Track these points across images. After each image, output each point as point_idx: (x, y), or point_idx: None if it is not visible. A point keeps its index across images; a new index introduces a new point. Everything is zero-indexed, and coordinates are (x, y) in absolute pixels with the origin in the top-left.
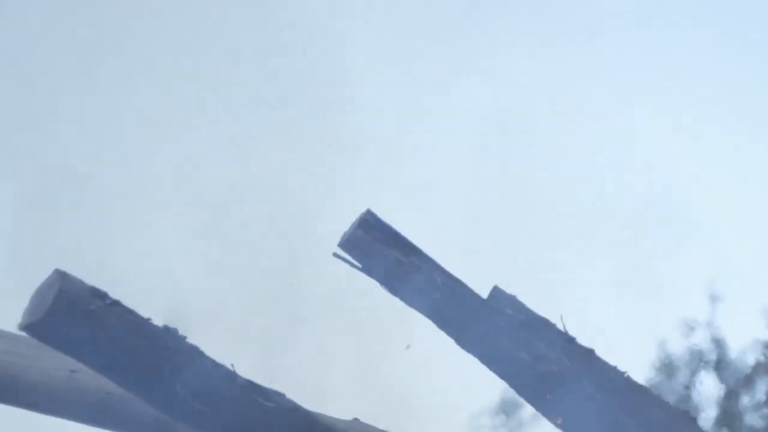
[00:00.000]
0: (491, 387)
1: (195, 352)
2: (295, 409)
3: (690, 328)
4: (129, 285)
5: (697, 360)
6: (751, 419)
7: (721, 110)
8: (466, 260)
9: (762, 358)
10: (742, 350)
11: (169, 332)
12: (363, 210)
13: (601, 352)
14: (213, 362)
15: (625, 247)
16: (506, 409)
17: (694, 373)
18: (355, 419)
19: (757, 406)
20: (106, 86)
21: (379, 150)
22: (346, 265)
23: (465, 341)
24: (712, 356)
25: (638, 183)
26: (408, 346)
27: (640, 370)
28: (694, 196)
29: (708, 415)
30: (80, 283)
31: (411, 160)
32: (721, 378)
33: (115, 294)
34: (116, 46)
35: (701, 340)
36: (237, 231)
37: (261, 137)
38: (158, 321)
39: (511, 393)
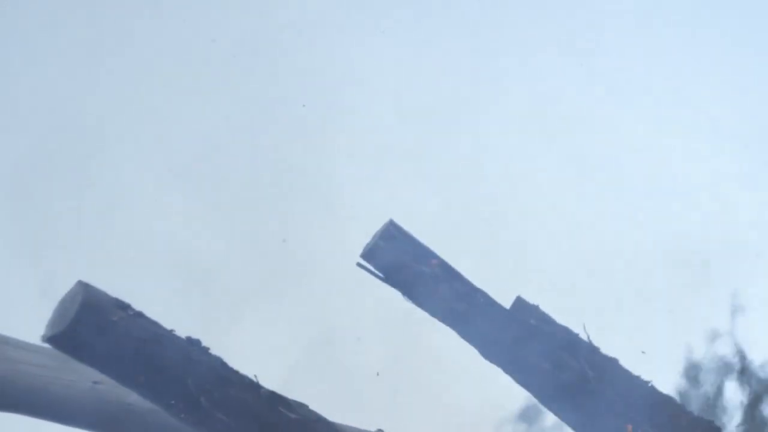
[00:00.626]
0: (514, 396)
1: (218, 363)
2: (319, 420)
3: (714, 336)
4: (151, 296)
5: (722, 368)
6: None
7: None
8: (488, 270)
9: None
10: (766, 359)
11: (192, 343)
12: (386, 220)
13: (625, 362)
14: (236, 373)
15: (648, 258)
16: (529, 419)
17: (718, 381)
18: (379, 430)
19: None
20: (112, 86)
21: (401, 157)
22: (369, 275)
23: (488, 351)
24: (737, 365)
25: (665, 194)
26: None
27: (664, 379)
28: (720, 206)
29: (733, 424)
30: (103, 295)
31: (433, 167)
32: (746, 386)
33: (137, 305)
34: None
35: (726, 348)
36: (258, 239)
37: (279, 145)
38: (181, 332)
39: (534, 403)
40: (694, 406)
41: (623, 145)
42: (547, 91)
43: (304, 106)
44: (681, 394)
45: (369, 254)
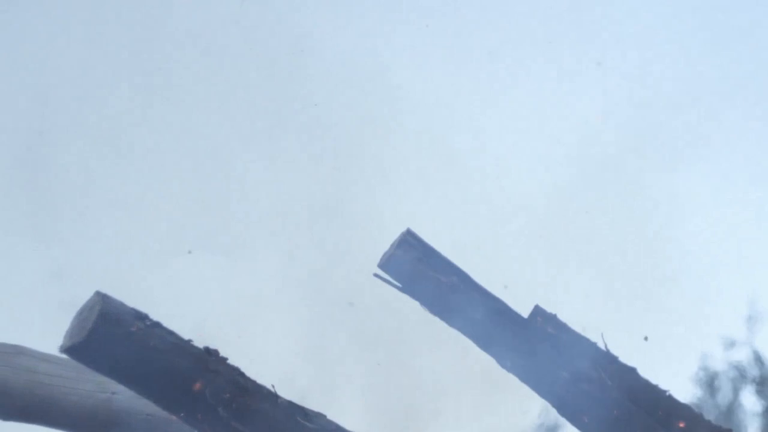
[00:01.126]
0: (533, 406)
1: (236, 374)
2: (337, 430)
3: (731, 344)
4: (171, 308)
5: (739, 376)
6: None
7: None
8: (506, 279)
9: None
10: None
11: (210, 353)
12: (403, 229)
13: (643, 371)
14: (254, 383)
15: (664, 266)
16: (547, 428)
17: (736, 389)
18: None
19: None
20: (128, 98)
21: (419, 167)
22: (387, 285)
23: (506, 361)
24: (755, 372)
25: (677, 201)
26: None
27: (681, 387)
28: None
29: None
30: (121, 305)
31: (451, 176)
32: (764, 394)
33: (155, 315)
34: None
35: (742, 356)
36: (278, 249)
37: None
38: (199, 342)
39: (553, 412)
40: (712, 415)
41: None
42: (562, 98)
43: (316, 105)
44: (698, 402)
45: (386, 264)
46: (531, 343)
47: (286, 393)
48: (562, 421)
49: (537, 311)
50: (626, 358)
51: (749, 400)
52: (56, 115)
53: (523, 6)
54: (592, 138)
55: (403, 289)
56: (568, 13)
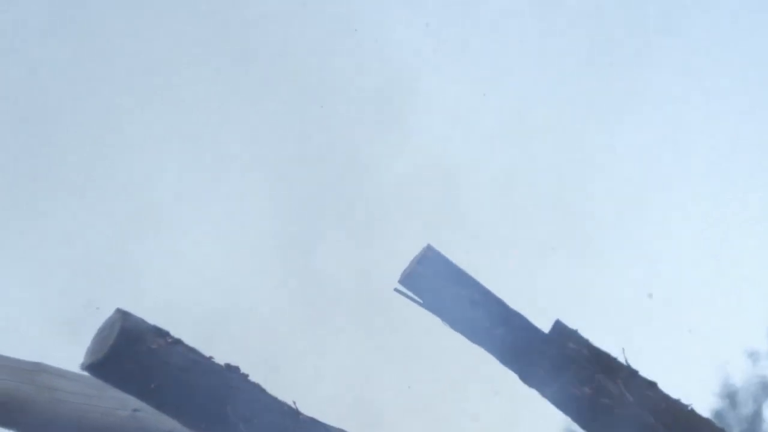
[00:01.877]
0: (554, 421)
1: (257, 390)
2: None
3: (753, 358)
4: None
5: (761, 389)
6: None
7: None
8: (525, 293)
9: None
10: None
11: (231, 370)
12: (423, 245)
13: (664, 385)
14: (275, 400)
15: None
16: None
17: (758, 402)
18: None
19: None
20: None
21: (440, 179)
22: (408, 301)
23: (528, 376)
24: None
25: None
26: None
27: (704, 401)
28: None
29: None
30: (142, 322)
31: (473, 189)
32: None
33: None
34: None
35: (766, 369)
36: (290, 263)
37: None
38: (220, 359)
39: (575, 427)
40: (735, 429)
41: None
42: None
43: (321, 107)
44: (719, 415)
45: (407, 279)
46: (552, 357)
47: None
48: None
49: (558, 326)
50: (647, 372)
51: None
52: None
53: None
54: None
55: (424, 305)
56: None
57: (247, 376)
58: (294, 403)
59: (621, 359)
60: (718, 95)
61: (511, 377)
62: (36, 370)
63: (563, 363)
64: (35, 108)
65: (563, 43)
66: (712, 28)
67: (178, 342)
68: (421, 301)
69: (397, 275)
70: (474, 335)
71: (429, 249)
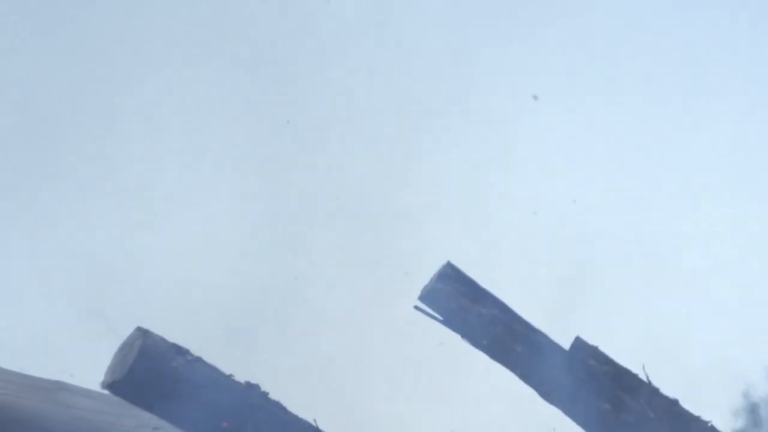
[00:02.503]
0: None
1: (277, 408)
2: None
3: None
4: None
5: None
6: None
7: None
8: (546, 309)
9: None
10: None
11: (251, 388)
12: (443, 262)
13: (685, 402)
14: (296, 417)
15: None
16: None
17: None
18: None
19: None
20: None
21: (458, 198)
22: (427, 318)
23: (548, 393)
24: None
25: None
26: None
27: (723, 418)
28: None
29: None
30: (162, 340)
31: (492, 208)
32: None
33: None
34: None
35: None
36: (311, 281)
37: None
38: (240, 377)
39: None
40: None
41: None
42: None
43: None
44: None
45: (427, 297)
46: (572, 374)
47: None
48: None
49: (578, 343)
50: (668, 389)
51: None
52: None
53: None
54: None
55: (443, 322)
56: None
57: (267, 393)
58: (314, 420)
59: (642, 376)
60: None
61: (531, 394)
62: (57, 388)
63: (584, 380)
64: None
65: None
66: None
67: (198, 360)
68: (441, 318)
69: (417, 292)
70: (494, 352)
71: (448, 266)
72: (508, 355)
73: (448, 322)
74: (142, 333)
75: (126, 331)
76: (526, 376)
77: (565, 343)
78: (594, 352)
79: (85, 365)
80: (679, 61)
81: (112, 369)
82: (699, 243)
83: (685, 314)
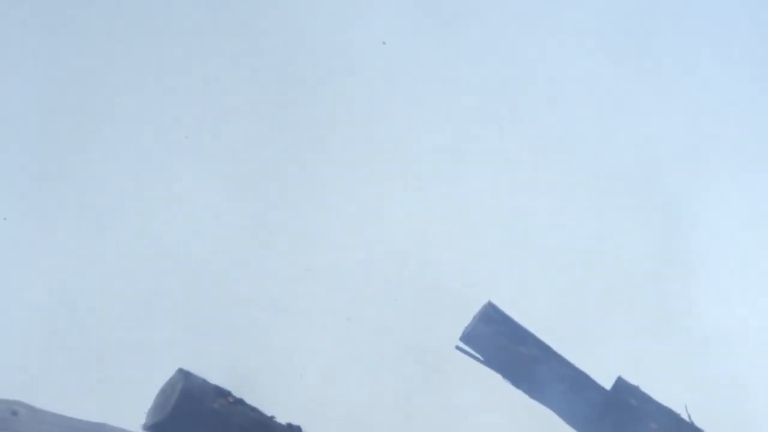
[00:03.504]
0: None
1: None
2: None
3: None
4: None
5: None
6: None
7: None
8: (587, 349)
9: None
10: None
11: (293, 429)
12: (484, 302)
13: None
14: None
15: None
16: None
17: None
18: None
19: None
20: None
21: (498, 237)
22: (469, 358)
23: None
24: None
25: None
26: None
27: None
28: None
29: None
30: (203, 382)
31: (532, 246)
32: None
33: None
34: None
35: None
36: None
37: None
38: (281, 418)
39: None
40: None
41: None
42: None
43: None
44: None
45: (468, 337)
46: (614, 414)
47: None
48: None
49: (620, 383)
50: (712, 429)
51: None
52: None
53: None
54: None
55: (485, 362)
56: None
57: None
58: None
59: (684, 416)
60: None
61: None
62: (99, 431)
63: (626, 420)
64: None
65: None
66: None
67: (239, 401)
68: (482, 359)
69: (458, 332)
70: (535, 392)
71: (490, 306)
72: (550, 395)
73: (489, 362)
74: (183, 375)
75: None
76: (567, 416)
77: (607, 383)
78: (635, 392)
79: (127, 408)
80: None
81: (153, 410)
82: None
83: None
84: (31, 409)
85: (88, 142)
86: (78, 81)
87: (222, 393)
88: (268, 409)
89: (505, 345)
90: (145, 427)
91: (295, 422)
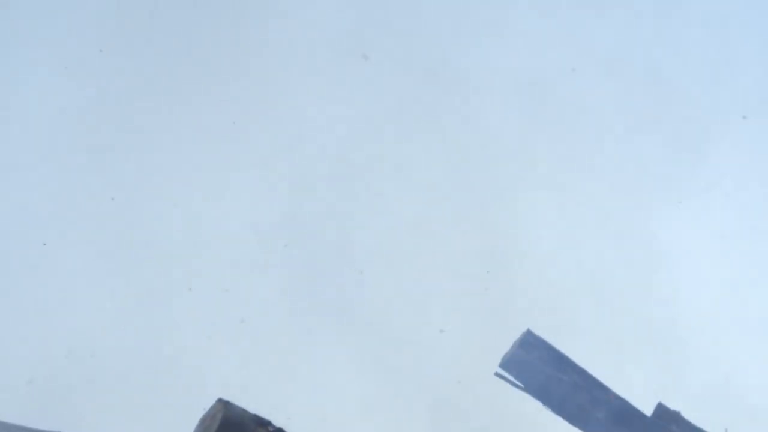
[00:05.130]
0: None
1: None
2: None
3: None
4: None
5: None
6: None
7: None
8: (627, 375)
9: None
10: None
11: None
12: (523, 329)
13: None
14: None
15: None
16: None
17: None
18: None
19: None
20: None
21: (539, 264)
22: (508, 385)
23: None
24: None
25: None
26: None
27: None
28: None
29: None
30: (243, 412)
31: (570, 273)
32: None
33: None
34: None
35: None
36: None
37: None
38: None
39: None
40: None
41: None
42: None
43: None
44: None
45: (507, 364)
46: None
47: None
48: None
49: (660, 409)
50: None
51: None
52: None
53: None
54: None
55: (525, 389)
56: None
57: None
58: None
59: None
60: None
61: None
62: None
63: None
64: None
65: None
66: None
67: (279, 431)
68: (522, 386)
69: (497, 359)
70: (576, 419)
71: (529, 333)
72: (590, 422)
73: (529, 389)
74: (223, 405)
75: None
76: None
77: (647, 409)
78: (676, 418)
79: None
80: None
81: None
82: None
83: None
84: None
85: None
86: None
87: (262, 422)
88: None
89: (544, 372)
90: None
91: None
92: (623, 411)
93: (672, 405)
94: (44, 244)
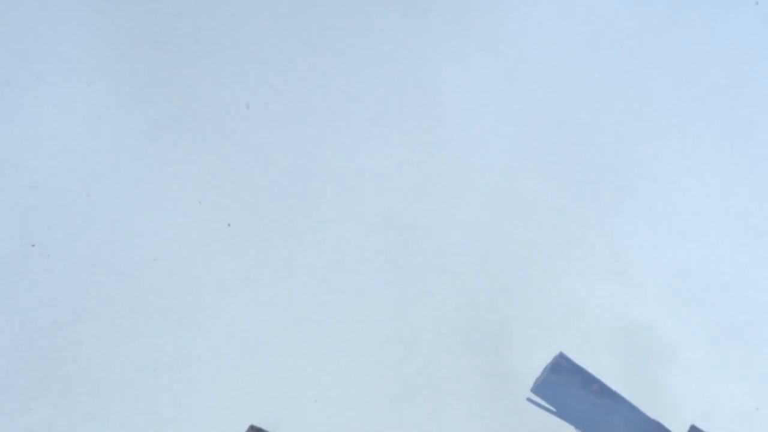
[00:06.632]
0: None
1: None
2: None
3: None
4: None
5: None
6: None
7: None
8: (657, 396)
9: None
10: None
11: None
12: (556, 353)
13: None
14: None
15: None
16: None
17: None
18: None
19: None
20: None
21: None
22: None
23: None
24: None
25: None
26: None
27: None
28: None
29: None
30: None
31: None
32: None
33: None
34: None
35: None
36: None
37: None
38: None
39: None
40: None
41: None
42: None
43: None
44: None
45: (540, 388)
46: None
47: None
48: None
49: (693, 431)
50: None
51: None
52: None
53: None
54: None
55: (557, 414)
56: None
57: None
58: None
59: None
60: None
61: None
62: None
63: None
64: None
65: None
66: None
67: None
68: (554, 410)
69: (529, 384)
70: None
71: (561, 357)
72: None
73: (561, 414)
74: (255, 431)
75: None
76: None
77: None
78: None
79: None
80: None
81: None
82: None
83: None
84: None
85: None
86: None
87: None
88: None
89: (577, 395)
90: None
91: None
92: None
93: (705, 427)
94: None
